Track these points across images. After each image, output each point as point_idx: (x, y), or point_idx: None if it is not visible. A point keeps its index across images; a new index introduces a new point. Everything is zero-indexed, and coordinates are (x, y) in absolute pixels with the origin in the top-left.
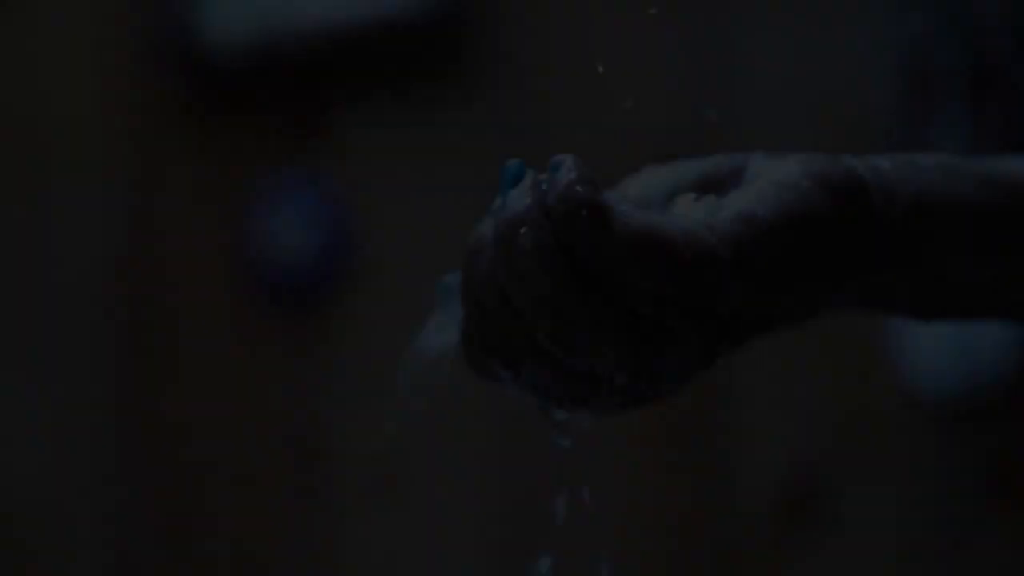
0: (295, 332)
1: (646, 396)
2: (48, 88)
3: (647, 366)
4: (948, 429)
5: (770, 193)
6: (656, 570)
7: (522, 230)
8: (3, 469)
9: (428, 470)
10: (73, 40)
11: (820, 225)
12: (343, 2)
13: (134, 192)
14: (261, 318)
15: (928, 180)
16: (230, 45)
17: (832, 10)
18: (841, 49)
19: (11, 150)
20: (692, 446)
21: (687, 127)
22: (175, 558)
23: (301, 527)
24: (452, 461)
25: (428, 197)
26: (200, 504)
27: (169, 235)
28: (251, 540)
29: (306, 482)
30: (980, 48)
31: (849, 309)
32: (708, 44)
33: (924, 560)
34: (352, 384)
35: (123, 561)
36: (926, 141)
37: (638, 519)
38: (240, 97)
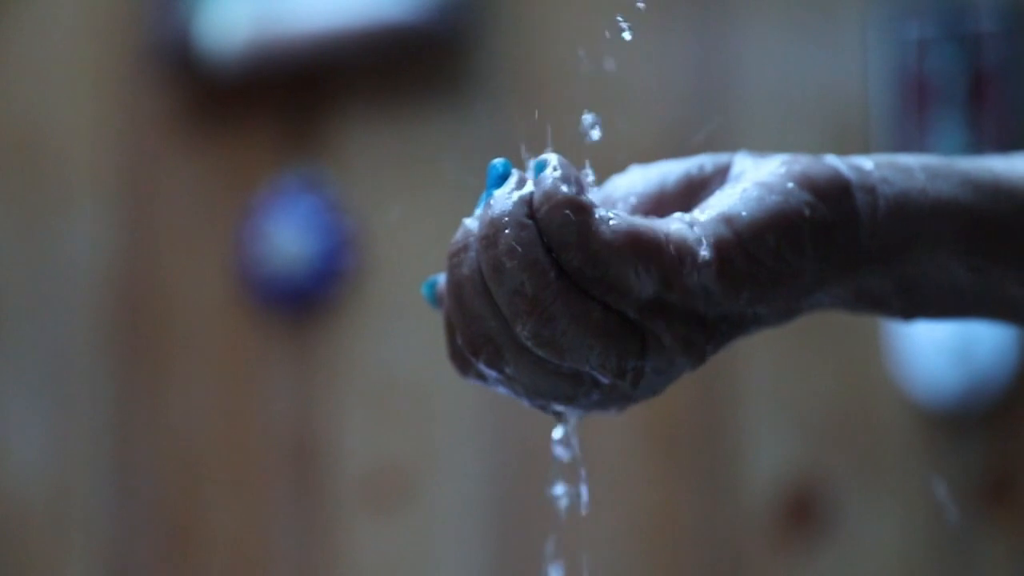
0: (294, 336)
1: (629, 395)
2: (45, 96)
3: (630, 366)
4: (947, 433)
5: (754, 194)
6: (656, 572)
7: (506, 228)
8: (3, 470)
9: (427, 474)
10: (69, 48)
11: (803, 226)
12: (340, 8)
13: (133, 197)
14: (261, 322)
15: (911, 180)
16: (228, 51)
17: (831, 15)
18: (839, 54)
19: (9, 157)
20: (692, 448)
21: (686, 130)
22: (174, 560)
23: (299, 530)
24: (451, 465)
25: (426, 202)
26: (199, 507)
27: (168, 240)
28: (249, 543)
29: (304, 486)
30: (976, 54)
31: (834, 308)
32: (706, 49)
33: (923, 564)
34: (351, 388)
35: (122, 562)
36: (921, 147)
37: (638, 521)
38: (238, 103)
